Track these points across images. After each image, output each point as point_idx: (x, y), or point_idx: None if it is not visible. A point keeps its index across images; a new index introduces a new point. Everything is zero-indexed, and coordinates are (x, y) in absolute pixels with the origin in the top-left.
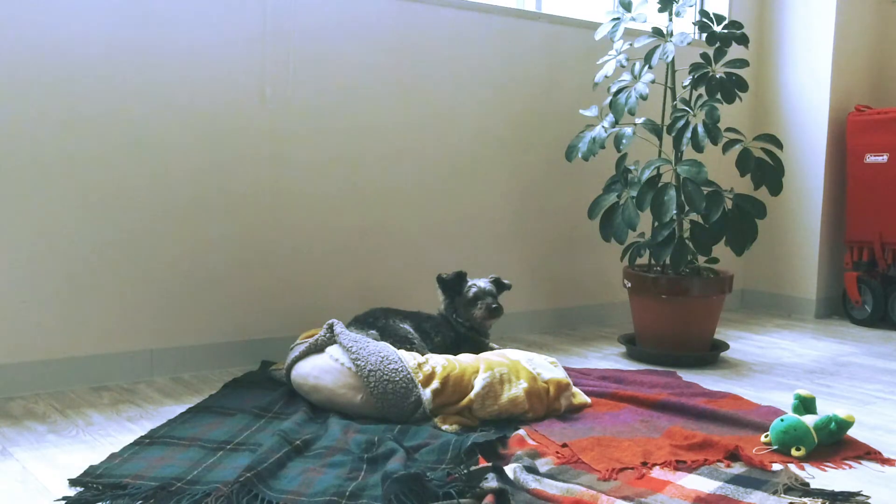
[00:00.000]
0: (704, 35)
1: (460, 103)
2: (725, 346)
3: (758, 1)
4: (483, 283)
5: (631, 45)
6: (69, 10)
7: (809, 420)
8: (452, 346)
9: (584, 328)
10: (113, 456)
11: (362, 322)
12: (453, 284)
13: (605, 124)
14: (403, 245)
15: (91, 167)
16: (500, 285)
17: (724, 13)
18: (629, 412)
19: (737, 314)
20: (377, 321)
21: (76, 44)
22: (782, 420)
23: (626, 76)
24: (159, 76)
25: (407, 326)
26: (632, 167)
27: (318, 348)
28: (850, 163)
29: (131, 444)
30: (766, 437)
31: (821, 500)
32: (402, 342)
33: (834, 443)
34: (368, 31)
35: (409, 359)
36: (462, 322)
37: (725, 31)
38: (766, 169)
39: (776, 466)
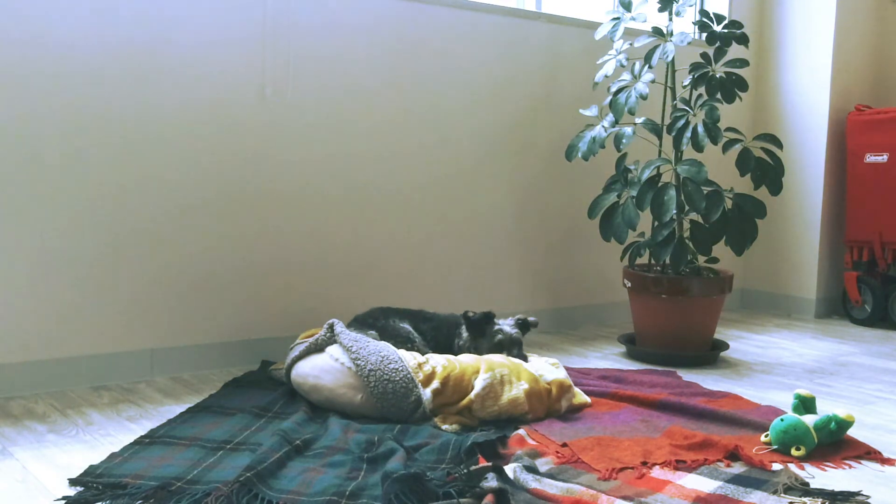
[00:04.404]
0: (704, 35)
1: (460, 103)
2: (725, 346)
3: (758, 1)
4: (509, 328)
5: (631, 44)
6: (69, 10)
7: (809, 420)
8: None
9: (584, 328)
10: (113, 455)
11: (362, 322)
12: (479, 325)
13: (605, 124)
14: (403, 244)
15: (91, 168)
16: (525, 326)
17: (724, 13)
18: (629, 412)
19: (737, 314)
20: (377, 321)
21: (76, 43)
22: (782, 420)
23: (626, 76)
24: (159, 76)
25: (407, 326)
26: (632, 167)
27: (318, 348)
28: (850, 163)
29: (131, 443)
30: (766, 436)
31: (821, 499)
32: (402, 342)
33: (834, 443)
34: (368, 31)
35: (410, 358)
36: None
37: (725, 30)
38: (766, 169)
39: (776, 466)
